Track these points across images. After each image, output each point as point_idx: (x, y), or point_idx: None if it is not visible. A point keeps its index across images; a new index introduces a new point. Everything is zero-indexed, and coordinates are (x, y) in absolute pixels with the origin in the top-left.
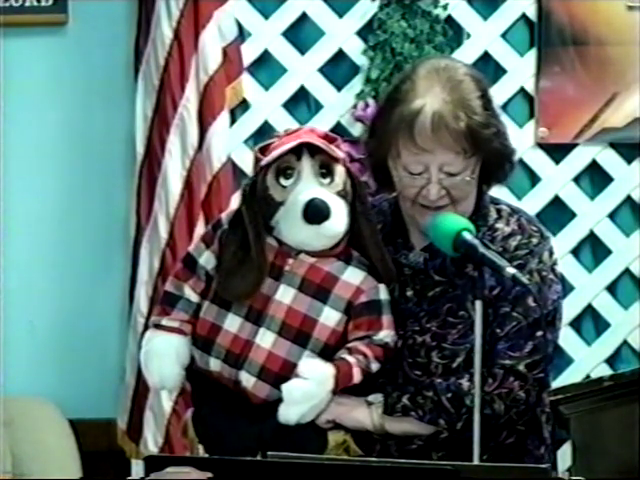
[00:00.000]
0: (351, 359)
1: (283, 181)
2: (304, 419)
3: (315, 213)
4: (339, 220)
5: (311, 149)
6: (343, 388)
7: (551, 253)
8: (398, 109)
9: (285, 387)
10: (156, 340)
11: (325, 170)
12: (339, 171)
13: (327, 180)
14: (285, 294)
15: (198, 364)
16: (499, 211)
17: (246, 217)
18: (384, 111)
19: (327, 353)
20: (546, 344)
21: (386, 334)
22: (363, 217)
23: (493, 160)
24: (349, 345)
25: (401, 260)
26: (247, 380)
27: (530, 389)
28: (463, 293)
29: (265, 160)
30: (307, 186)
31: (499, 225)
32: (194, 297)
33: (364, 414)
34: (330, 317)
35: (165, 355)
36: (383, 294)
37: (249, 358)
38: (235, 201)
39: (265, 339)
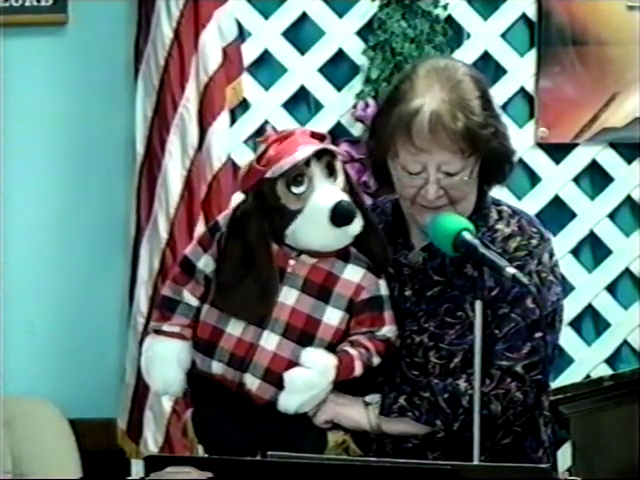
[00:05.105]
0: (353, 352)
1: (295, 189)
2: (302, 408)
3: (343, 215)
4: (359, 218)
5: (317, 152)
6: (342, 383)
7: (551, 255)
8: (397, 109)
9: (287, 375)
10: (157, 346)
11: (330, 170)
12: (340, 168)
13: (332, 179)
14: (288, 296)
15: (199, 367)
16: (500, 212)
17: (254, 234)
18: (383, 111)
19: (331, 351)
20: (545, 346)
21: (388, 329)
22: (359, 207)
23: (492, 160)
24: (351, 338)
25: (400, 259)
26: (252, 383)
27: (528, 390)
28: (461, 293)
29: (271, 172)
30: (323, 190)
31: (499, 226)
32: (194, 301)
33: (361, 414)
34: (333, 316)
35: (167, 361)
36: (384, 290)
37: (254, 361)
38: (235, 201)
39: (269, 341)
